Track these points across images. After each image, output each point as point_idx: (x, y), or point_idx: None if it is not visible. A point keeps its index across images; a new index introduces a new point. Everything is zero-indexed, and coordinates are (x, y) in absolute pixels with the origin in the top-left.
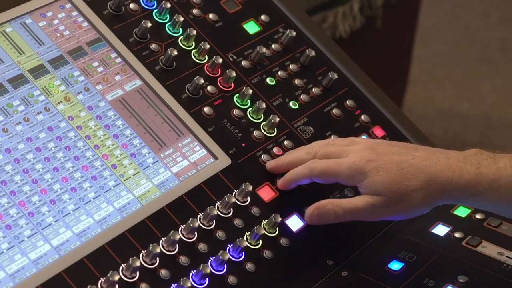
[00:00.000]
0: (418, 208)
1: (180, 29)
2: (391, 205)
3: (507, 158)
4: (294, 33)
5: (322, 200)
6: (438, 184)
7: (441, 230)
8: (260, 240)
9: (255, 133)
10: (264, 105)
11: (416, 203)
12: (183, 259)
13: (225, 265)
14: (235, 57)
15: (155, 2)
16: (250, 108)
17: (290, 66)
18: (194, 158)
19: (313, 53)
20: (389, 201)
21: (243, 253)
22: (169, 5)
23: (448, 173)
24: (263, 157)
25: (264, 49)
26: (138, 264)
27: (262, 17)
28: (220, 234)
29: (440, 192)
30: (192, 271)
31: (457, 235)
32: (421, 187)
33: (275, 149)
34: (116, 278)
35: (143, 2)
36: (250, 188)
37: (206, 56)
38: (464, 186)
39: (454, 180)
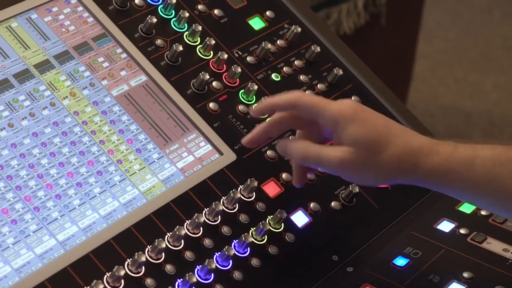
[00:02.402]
0: (386, 175)
1: (186, 24)
2: (361, 163)
3: (485, 145)
4: (299, 29)
5: (301, 139)
6: (414, 155)
7: (446, 226)
8: (265, 236)
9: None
10: None
11: (386, 169)
12: (188, 255)
13: (231, 261)
14: (240, 53)
15: None
16: (255, 104)
17: (295, 62)
18: (199, 153)
19: (318, 49)
20: (362, 157)
21: (249, 248)
22: (174, 1)
23: (426, 147)
24: (268, 153)
25: (269, 45)
26: (143, 259)
27: (267, 13)
28: (225, 229)
29: (413, 164)
30: (197, 266)
31: (462, 231)
32: (397, 154)
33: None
34: (122, 273)
35: None
36: (256, 183)
37: (212, 52)
38: (438, 162)
39: (430, 155)
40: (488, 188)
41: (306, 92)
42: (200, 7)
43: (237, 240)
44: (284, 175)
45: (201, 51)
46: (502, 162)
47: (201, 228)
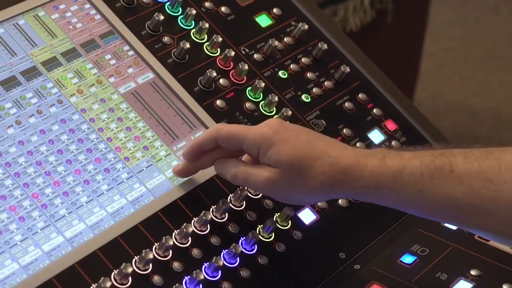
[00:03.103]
0: (315, 193)
1: (193, 22)
2: (288, 182)
3: (412, 151)
4: (306, 26)
5: (230, 158)
6: (341, 172)
7: None
8: (273, 233)
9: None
10: (276, 98)
11: (314, 187)
12: (196, 252)
13: (238, 258)
14: (247, 50)
15: None
16: (263, 101)
17: (303, 59)
18: None
19: (325, 46)
20: (288, 177)
21: (256, 246)
22: None
23: (353, 162)
24: None
25: (276, 42)
26: (151, 256)
27: (274, 10)
28: (232, 227)
29: (341, 181)
30: (205, 263)
31: None
32: (323, 170)
33: None
34: (129, 270)
35: None
36: None
37: (219, 49)
38: (366, 178)
39: (357, 170)
40: (419, 199)
41: (314, 89)
42: (207, 4)
43: (244, 238)
44: None
45: (208, 48)
46: (430, 171)
47: (209, 226)
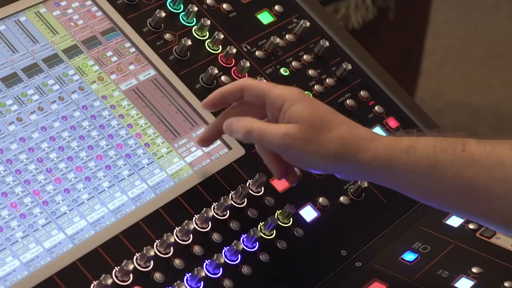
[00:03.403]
0: (327, 157)
1: (194, 19)
2: (305, 140)
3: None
4: (308, 24)
5: (246, 116)
6: (357, 140)
7: (455, 221)
8: (274, 231)
9: None
10: None
11: (329, 150)
12: (197, 249)
13: (239, 255)
14: (249, 47)
15: None
16: None
17: (304, 57)
18: (208, 148)
19: (327, 43)
20: (305, 134)
21: (257, 243)
22: None
23: (369, 133)
24: None
25: (278, 40)
26: (152, 253)
27: (276, 7)
28: (234, 224)
29: (355, 149)
30: (206, 261)
31: (471, 226)
32: (340, 136)
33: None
34: (131, 267)
35: None
36: (264, 178)
37: (220, 46)
38: (380, 149)
39: (373, 142)
40: (430, 175)
41: (315, 86)
42: (208, 1)
43: (245, 235)
44: None
45: (210, 45)
46: (443, 147)
47: (210, 223)
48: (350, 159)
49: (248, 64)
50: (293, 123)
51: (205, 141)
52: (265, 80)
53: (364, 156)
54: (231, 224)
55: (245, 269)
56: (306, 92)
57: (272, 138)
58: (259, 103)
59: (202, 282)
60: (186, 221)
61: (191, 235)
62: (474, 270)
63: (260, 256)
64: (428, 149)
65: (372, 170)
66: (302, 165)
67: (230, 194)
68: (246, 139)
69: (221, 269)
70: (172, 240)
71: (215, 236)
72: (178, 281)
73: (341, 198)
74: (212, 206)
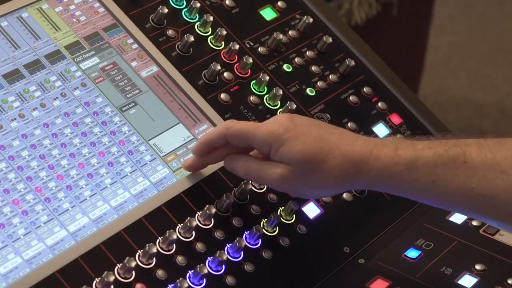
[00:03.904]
0: (329, 187)
1: (197, 15)
2: (302, 178)
3: (426, 141)
4: (311, 20)
5: (242, 154)
6: (354, 164)
7: (458, 218)
8: (277, 227)
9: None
10: (281, 92)
11: (328, 181)
12: (199, 246)
13: (242, 252)
14: (251, 43)
15: None
16: (267, 95)
17: (307, 53)
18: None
19: (330, 39)
20: (301, 173)
21: (260, 240)
22: None
23: (365, 154)
24: None
25: (281, 36)
26: (154, 250)
27: (279, 3)
28: (236, 221)
29: (354, 173)
30: (208, 257)
31: (474, 223)
32: (336, 165)
33: None
34: (133, 264)
35: None
36: None
37: (223, 43)
38: (380, 168)
39: (370, 161)
40: (433, 189)
41: (318, 83)
42: None
43: (248, 232)
44: None
45: (213, 41)
46: (444, 161)
47: (213, 220)
48: (352, 183)
49: (251, 60)
50: (286, 163)
51: (192, 169)
52: (267, 77)
53: (365, 178)
54: (233, 221)
55: (248, 266)
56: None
57: (270, 181)
58: (246, 147)
59: (204, 279)
60: (188, 218)
61: (193, 232)
62: (478, 267)
63: (263, 253)
64: (429, 165)
65: (375, 187)
66: (307, 197)
67: (233, 191)
68: (246, 178)
69: (223, 266)
70: (175, 237)
71: (218, 233)
72: (180, 278)
73: (344, 195)
74: (215, 203)
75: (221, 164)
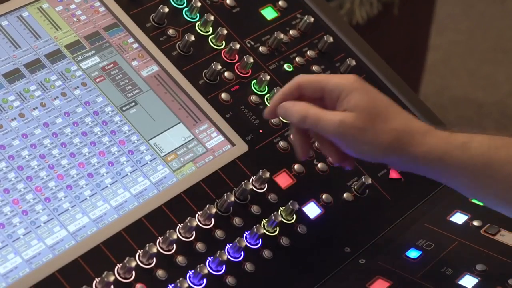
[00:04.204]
0: (381, 148)
1: (198, 14)
2: (360, 130)
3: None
4: (312, 19)
5: (302, 102)
6: (412, 134)
7: (459, 218)
8: (277, 227)
9: (273, 119)
10: None
11: (382, 141)
12: (200, 246)
13: (242, 252)
14: (252, 43)
15: None
16: (268, 95)
17: (308, 53)
18: (211, 144)
19: (331, 39)
20: (361, 124)
21: (260, 240)
22: None
23: (424, 129)
24: (281, 143)
25: (281, 35)
26: (154, 250)
27: (280, 3)
28: (237, 221)
29: (409, 143)
30: (209, 257)
31: (475, 223)
32: (396, 128)
33: (292, 136)
34: (133, 264)
35: None
36: (267, 174)
37: (224, 42)
38: (434, 144)
39: (427, 135)
40: (483, 172)
41: None
42: None
43: (248, 232)
44: (296, 166)
45: (213, 41)
46: (497, 146)
47: (213, 220)
48: (403, 152)
49: (251, 60)
50: (350, 111)
51: (270, 115)
52: (268, 77)
53: (417, 150)
54: (234, 221)
55: (248, 266)
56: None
57: (327, 125)
58: (318, 97)
59: (205, 279)
60: (189, 218)
61: (194, 232)
62: (479, 267)
63: (263, 253)
64: (483, 147)
65: (424, 164)
66: (354, 153)
67: (233, 190)
68: (300, 124)
69: (224, 266)
70: (175, 237)
71: (218, 233)
72: (180, 278)
73: (345, 195)
74: (215, 202)
75: (221, 163)
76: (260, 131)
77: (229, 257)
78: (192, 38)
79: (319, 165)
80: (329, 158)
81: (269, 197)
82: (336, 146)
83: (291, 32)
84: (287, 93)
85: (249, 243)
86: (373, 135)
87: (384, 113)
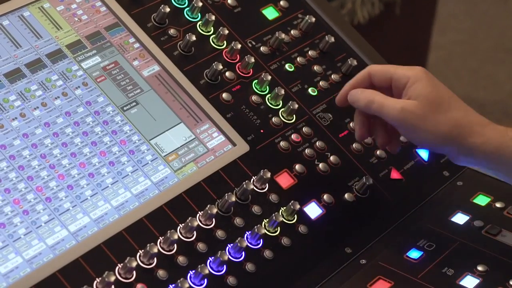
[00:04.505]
0: (440, 136)
1: (199, 14)
2: (421, 117)
3: None
4: (313, 19)
5: (369, 89)
6: (471, 124)
7: (460, 218)
8: (278, 228)
9: (274, 119)
10: (282, 92)
11: (441, 130)
12: (200, 246)
13: (243, 252)
14: (254, 43)
15: None
16: (269, 95)
17: (309, 52)
18: (212, 144)
19: (333, 39)
20: (422, 111)
21: (261, 240)
22: None
23: (483, 121)
24: (282, 143)
25: (283, 35)
26: (155, 250)
27: (281, 2)
28: (238, 221)
29: (468, 133)
30: (209, 258)
31: (476, 223)
32: (456, 118)
33: (293, 136)
34: (134, 264)
35: None
36: (269, 175)
37: (225, 42)
38: (491, 135)
39: (485, 128)
40: None
41: (320, 82)
42: None
43: (249, 232)
44: (297, 167)
45: (214, 41)
46: None
47: (214, 220)
48: (460, 141)
49: (252, 59)
50: (413, 99)
51: (342, 102)
52: (269, 77)
53: (475, 140)
54: (235, 221)
55: (249, 266)
56: (310, 87)
57: (390, 111)
58: (386, 86)
59: (205, 280)
60: (189, 218)
61: (194, 232)
62: (480, 268)
63: (264, 253)
64: None
65: (480, 155)
66: (413, 140)
67: (234, 190)
68: (366, 109)
69: (225, 266)
70: (176, 237)
71: (219, 233)
72: (181, 279)
73: (346, 195)
74: (216, 202)
75: (223, 163)
76: (261, 131)
77: (230, 257)
78: (193, 38)
79: (320, 165)
80: (377, 140)
81: (270, 197)
82: (385, 130)
83: (292, 32)
84: (358, 80)
85: (250, 243)
86: (432, 124)
87: (446, 104)
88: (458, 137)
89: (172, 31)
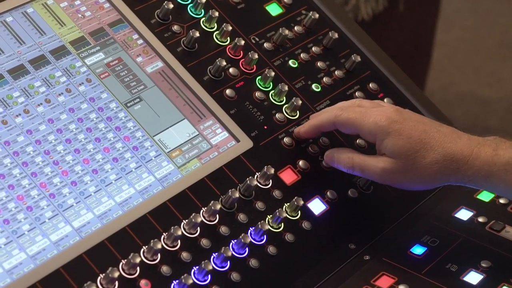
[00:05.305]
0: (429, 181)
1: (202, 10)
2: (403, 172)
3: None
4: (317, 15)
5: (344, 148)
6: (454, 161)
7: (464, 214)
8: (282, 224)
9: (277, 115)
10: (286, 88)
11: (428, 176)
12: (204, 242)
13: (247, 248)
14: (257, 39)
15: None
16: (273, 91)
17: (313, 49)
18: (215, 140)
19: (336, 35)
20: (402, 167)
21: (265, 236)
22: None
23: (466, 153)
24: (285, 140)
25: (286, 31)
26: (159, 246)
27: None
28: (241, 217)
29: (454, 170)
30: (213, 254)
31: (480, 219)
32: (436, 161)
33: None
34: (137, 260)
35: None
36: (272, 171)
37: (228, 38)
38: (479, 167)
39: (470, 160)
40: None
41: (324, 78)
42: None
43: (253, 228)
44: (301, 163)
45: (218, 37)
46: None
47: (217, 216)
48: (450, 178)
49: (256, 56)
50: (389, 156)
51: (303, 136)
52: (273, 73)
53: (463, 175)
54: (238, 217)
55: (253, 262)
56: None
57: (372, 174)
58: (353, 134)
59: (209, 275)
60: (193, 214)
61: (198, 228)
62: (483, 264)
63: (268, 249)
64: None
65: (472, 184)
66: (408, 189)
67: (238, 187)
68: (348, 172)
69: (228, 262)
70: (180, 233)
71: (223, 229)
72: (185, 274)
73: (350, 191)
74: (220, 198)
75: (226, 159)
76: (265, 127)
77: (233, 253)
78: (197, 34)
79: (324, 161)
80: None
81: (273, 193)
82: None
83: (296, 28)
84: (322, 126)
85: (253, 239)
86: (416, 174)
87: (422, 150)
88: (446, 175)
89: (175, 28)
